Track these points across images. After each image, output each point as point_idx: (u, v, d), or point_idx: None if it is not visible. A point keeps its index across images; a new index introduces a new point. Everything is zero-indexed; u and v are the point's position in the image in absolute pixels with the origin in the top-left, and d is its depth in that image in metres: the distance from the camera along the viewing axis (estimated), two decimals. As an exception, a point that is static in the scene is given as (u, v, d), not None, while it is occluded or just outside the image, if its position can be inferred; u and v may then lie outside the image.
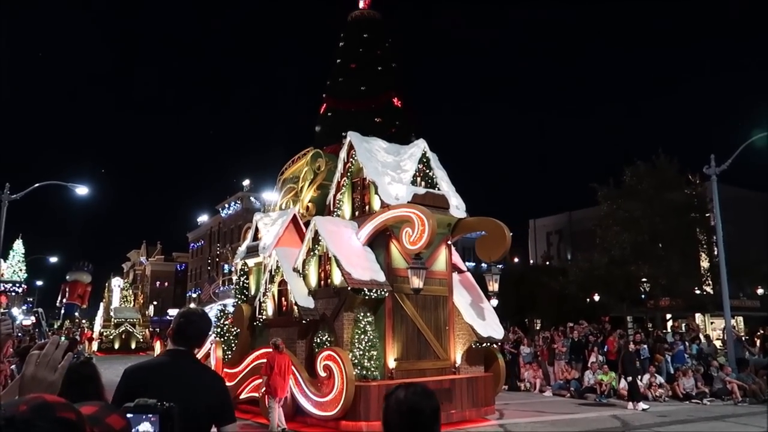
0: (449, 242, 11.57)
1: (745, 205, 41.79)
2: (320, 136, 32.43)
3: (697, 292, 26.82)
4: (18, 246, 54.37)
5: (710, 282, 26.49)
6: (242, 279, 13.36)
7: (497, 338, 11.61)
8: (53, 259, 46.81)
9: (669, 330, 22.20)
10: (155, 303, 70.20)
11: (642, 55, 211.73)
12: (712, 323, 34.33)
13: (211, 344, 13.34)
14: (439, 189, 11.59)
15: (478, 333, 11.12)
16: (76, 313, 55.97)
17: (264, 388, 10.00)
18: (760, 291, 35.97)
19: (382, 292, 10.26)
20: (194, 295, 61.67)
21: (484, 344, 11.34)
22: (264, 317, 11.85)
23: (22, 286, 55.84)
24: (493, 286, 11.37)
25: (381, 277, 10.42)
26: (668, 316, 27.92)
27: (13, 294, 51.24)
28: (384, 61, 33.89)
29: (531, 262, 60.46)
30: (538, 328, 40.54)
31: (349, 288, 9.98)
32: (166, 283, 79.41)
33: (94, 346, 40.24)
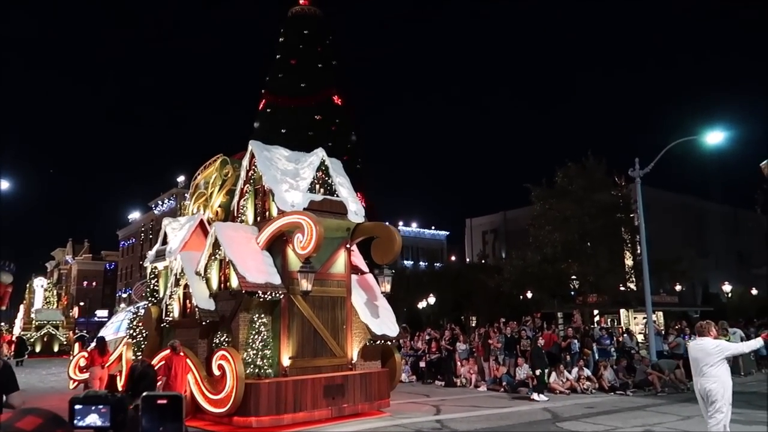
0: (348, 246, 12.06)
1: (665, 206, 44.36)
2: (259, 131, 32.01)
3: (622, 288, 28.17)
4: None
5: (634, 279, 27.88)
6: (152, 282, 13.65)
7: (391, 336, 12.14)
8: (-32, 258, 43.74)
9: (596, 325, 23.25)
10: (82, 304, 67.03)
11: (575, 61, 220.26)
12: (635, 318, 36.23)
13: (123, 346, 13.53)
14: (337, 195, 12.12)
15: (373, 331, 11.72)
16: (-6, 315, 52.73)
17: (164, 388, 10.41)
18: (678, 287, 38.26)
19: (278, 295, 10.73)
20: (125, 296, 59.36)
21: (378, 341, 11.93)
22: (170, 319, 12.21)
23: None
24: (385, 287, 12.07)
25: (276, 279, 10.90)
26: (596, 312, 29.23)
27: None
28: (325, 58, 33.78)
29: (467, 260, 61.83)
30: (474, 324, 41.50)
31: (243, 291, 10.44)
32: (94, 283, 75.97)
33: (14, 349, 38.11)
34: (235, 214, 12.58)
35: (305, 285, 10.60)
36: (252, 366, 10.31)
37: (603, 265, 25.45)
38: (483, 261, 55.52)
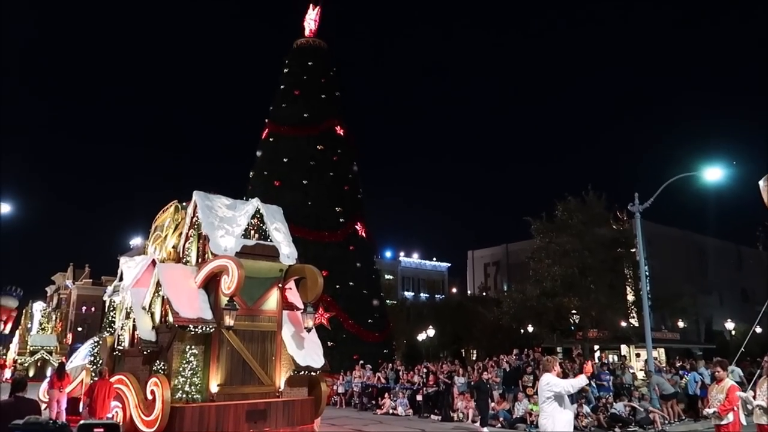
0: (280, 285, 13.23)
1: (667, 242, 44.26)
2: (261, 160, 32.23)
3: (623, 324, 27.90)
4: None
5: (635, 314, 27.63)
6: (110, 314, 15.18)
7: (315, 367, 13.22)
8: (-34, 281, 43.72)
9: (597, 361, 22.94)
10: (80, 329, 66.58)
11: (577, 97, 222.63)
12: (637, 354, 35.76)
13: (83, 371, 15.06)
14: (271, 240, 13.39)
15: (297, 362, 12.96)
16: (-9, 339, 52.34)
17: (86, 409, 11.98)
18: (680, 324, 37.89)
19: (208, 328, 11.98)
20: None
21: (303, 372, 13.09)
22: (121, 348, 13.67)
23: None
24: (307, 323, 13.33)
25: (208, 315, 12.15)
26: (596, 347, 28.87)
27: None
28: (328, 89, 34.19)
29: (469, 292, 61.45)
30: (474, 357, 41.00)
31: (176, 325, 11.69)
32: (93, 308, 75.50)
33: (7, 373, 37.88)
34: (181, 256, 13.94)
35: (228, 321, 11.88)
36: (181, 391, 11.59)
37: (603, 300, 25.26)
38: (484, 293, 55.19)
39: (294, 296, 13.69)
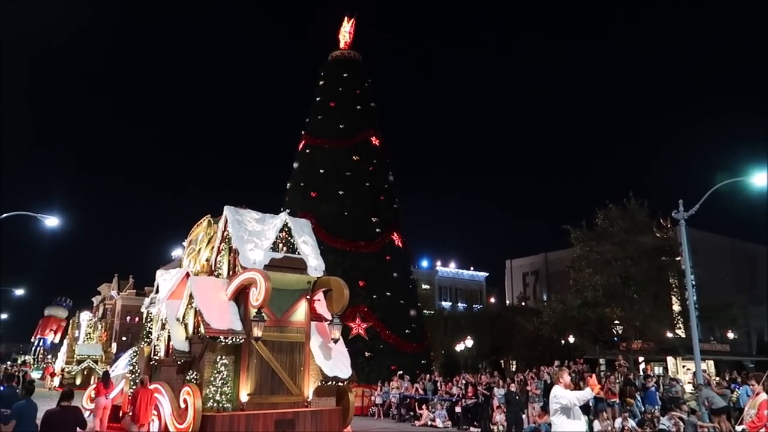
0: (308, 297, 13.42)
1: (714, 250, 42.75)
2: (298, 172, 32.56)
3: (669, 335, 27.01)
4: (-17, 278, 52.66)
5: (681, 325, 26.73)
6: (147, 324, 15.69)
7: (342, 377, 13.38)
8: (19, 292, 45.39)
9: (641, 373, 22.24)
10: (124, 338, 68.21)
11: (617, 102, 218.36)
12: (684, 366, 34.54)
13: (123, 380, 15.64)
14: (299, 253, 13.71)
15: (325, 373, 13.19)
16: (40, 348, 54.21)
17: (129, 417, 12.68)
18: (730, 335, 36.44)
19: (238, 339, 12.30)
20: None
21: (330, 382, 13.28)
22: (157, 357, 14.03)
23: (-15, 319, 53.99)
24: (334, 334, 13.44)
25: (238, 326, 12.46)
26: (641, 359, 28.01)
27: (-25, 327, 49.45)
28: (363, 100, 34.31)
29: (508, 302, 60.54)
30: (513, 369, 40.32)
31: (207, 335, 12.05)
32: (136, 318, 77.41)
33: (56, 381, 39.09)
34: (213, 269, 14.34)
35: (256, 332, 12.15)
36: (212, 400, 11.92)
37: (647, 311, 24.52)
38: (523, 303, 54.27)
39: (322, 308, 13.86)
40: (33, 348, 53.91)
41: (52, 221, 20.67)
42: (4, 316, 59.58)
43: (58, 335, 51.92)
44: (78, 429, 7.72)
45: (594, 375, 14.14)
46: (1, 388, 12.61)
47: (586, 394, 7.38)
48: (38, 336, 48.88)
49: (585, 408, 15.44)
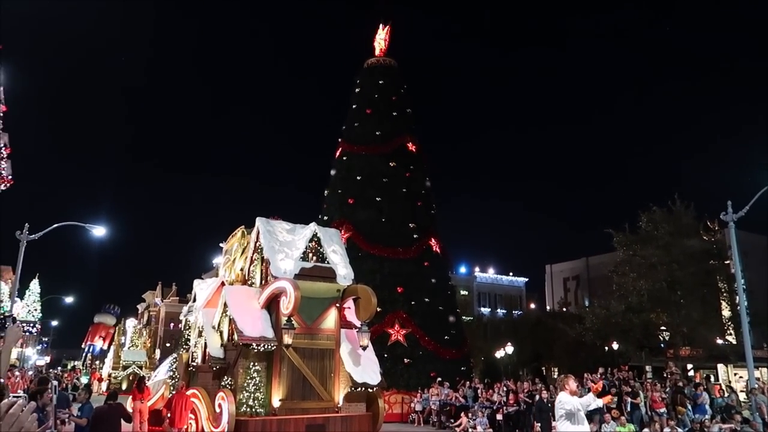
0: (338, 305, 13.66)
1: (766, 253, 41.04)
2: (335, 178, 32.79)
3: (719, 341, 26.06)
4: (34, 285, 54.83)
5: (732, 331, 25.76)
6: (185, 332, 16.18)
7: (372, 383, 13.65)
8: (69, 299, 47.06)
9: (690, 382, 21.47)
10: (168, 345, 69.76)
11: (659, 102, 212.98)
12: (736, 374, 33.21)
13: (163, 385, 16.19)
14: (328, 262, 13.95)
15: (354, 379, 13.46)
16: (89, 354, 55.96)
17: (167, 420, 13.29)
18: (785, 341, 34.86)
19: (270, 346, 12.62)
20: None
21: (359, 388, 13.54)
22: (195, 364, 14.47)
23: (37, 326, 56.10)
24: (363, 341, 13.66)
25: (270, 334, 12.81)
26: (689, 366, 27.08)
27: (28, 334, 51.37)
28: (399, 107, 34.35)
29: (548, 308, 59.47)
30: (555, 376, 39.53)
31: (241, 343, 12.43)
32: (180, 325, 79.09)
33: (103, 386, 40.27)
34: (247, 278, 14.73)
35: (287, 339, 12.48)
36: (245, 405, 12.29)
37: (695, 316, 23.72)
38: (564, 309, 53.21)
39: (352, 315, 14.11)
40: (83, 354, 55.83)
41: (99, 231, 21.36)
42: (55, 323, 61.87)
43: (107, 342, 53.60)
44: (123, 422, 9.57)
45: (600, 382, 14.09)
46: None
47: (589, 399, 7.55)
48: (88, 342, 50.79)
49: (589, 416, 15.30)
